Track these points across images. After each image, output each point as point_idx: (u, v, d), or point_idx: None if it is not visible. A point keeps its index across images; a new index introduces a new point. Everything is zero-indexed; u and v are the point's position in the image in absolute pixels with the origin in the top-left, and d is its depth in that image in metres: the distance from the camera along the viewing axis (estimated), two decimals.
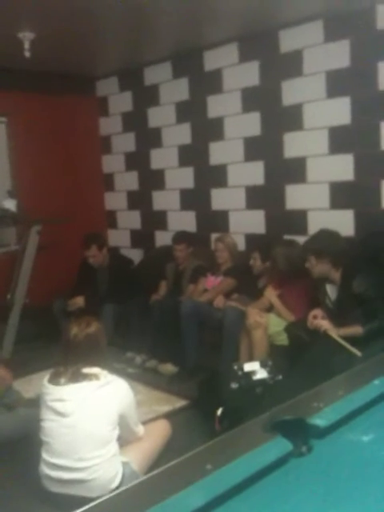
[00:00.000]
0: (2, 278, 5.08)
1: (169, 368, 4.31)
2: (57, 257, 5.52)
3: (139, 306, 4.77)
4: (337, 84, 4.27)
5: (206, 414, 3.21)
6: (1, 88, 5.25)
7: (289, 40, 4.50)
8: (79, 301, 4.79)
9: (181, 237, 4.98)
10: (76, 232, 5.18)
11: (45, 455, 2.42)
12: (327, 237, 3.53)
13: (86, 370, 2.42)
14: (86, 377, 2.40)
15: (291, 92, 4.54)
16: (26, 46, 4.32)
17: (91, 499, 1.03)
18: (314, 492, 1.15)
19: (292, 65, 4.49)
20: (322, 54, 4.32)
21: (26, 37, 4.29)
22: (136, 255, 5.87)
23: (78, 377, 2.40)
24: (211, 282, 4.69)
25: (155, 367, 4.40)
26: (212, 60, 5.08)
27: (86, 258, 5.00)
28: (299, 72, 4.46)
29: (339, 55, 4.21)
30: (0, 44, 4.50)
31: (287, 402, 1.48)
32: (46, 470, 2.42)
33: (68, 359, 2.45)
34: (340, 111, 4.24)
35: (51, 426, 2.40)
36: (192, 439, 2.93)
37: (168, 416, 3.29)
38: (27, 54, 4.34)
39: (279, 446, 1.25)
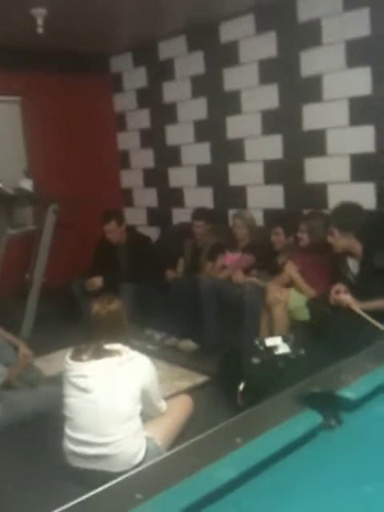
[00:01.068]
0: (21, 257, 5.10)
1: (189, 344, 4.31)
2: (73, 236, 5.52)
3: (158, 284, 4.76)
4: (357, 53, 4.14)
5: (227, 389, 3.21)
6: (15, 68, 5.23)
7: (307, 9, 4.37)
8: (97, 281, 4.77)
9: (200, 213, 4.94)
10: (92, 211, 5.16)
11: (68, 431, 2.44)
12: (350, 210, 3.47)
13: (108, 347, 2.42)
14: (108, 353, 2.40)
15: (310, 63, 4.42)
16: (39, 22, 4.26)
17: (114, 474, 1.02)
18: (345, 465, 1.14)
19: (310, 35, 4.36)
20: (341, 23, 4.19)
21: (39, 13, 4.23)
22: (153, 233, 5.85)
23: (100, 353, 2.40)
24: (230, 258, 4.65)
25: (175, 344, 4.41)
26: (228, 32, 4.96)
27: (103, 235, 4.98)
28: (318, 42, 4.34)
29: (359, 23, 4.07)
30: (13, 21, 4.43)
31: (315, 375, 1.46)
32: (69, 445, 2.43)
33: (90, 336, 2.45)
34: (360, 81, 4.13)
35: (74, 402, 2.41)
36: (214, 414, 2.93)
37: (189, 392, 3.28)
38: (40, 30, 4.28)
39: (309, 418, 1.24)
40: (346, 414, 1.29)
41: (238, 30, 4.87)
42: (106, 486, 1.02)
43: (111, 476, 1.05)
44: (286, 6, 4.46)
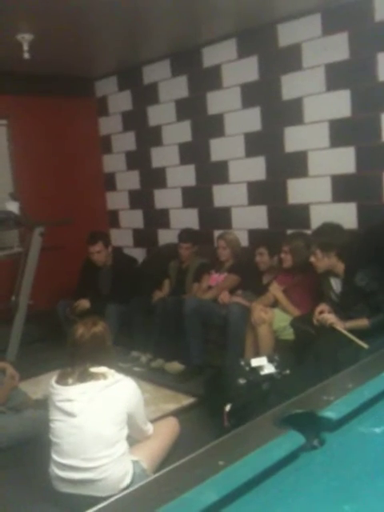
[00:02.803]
0: (6, 280, 5.08)
1: (175, 366, 4.29)
2: (59, 258, 5.51)
3: (143, 305, 4.76)
4: (336, 77, 4.24)
5: (213, 410, 3.20)
6: (1, 91, 5.26)
7: (287, 34, 4.48)
8: (85, 303, 4.75)
9: (187, 235, 4.96)
10: (78, 233, 5.16)
11: (54, 456, 2.42)
12: (332, 230, 3.52)
13: (94, 370, 2.41)
14: (94, 376, 2.39)
15: (291, 86, 4.52)
16: (25, 47, 4.31)
17: (102, 499, 1.02)
18: (327, 485, 1.14)
19: (291, 59, 4.47)
20: (320, 47, 4.30)
21: (25, 38, 4.28)
22: (139, 254, 5.86)
23: (85, 376, 2.40)
24: (215, 279, 4.67)
25: (161, 366, 4.39)
26: (211, 56, 5.06)
27: (89, 256, 4.96)
28: (298, 66, 4.44)
29: (338, 48, 4.18)
30: None
31: (297, 396, 1.47)
32: (55, 470, 2.42)
33: (75, 359, 2.45)
34: (340, 104, 4.22)
35: (60, 427, 2.40)
36: (200, 436, 2.92)
37: (176, 414, 3.28)
38: (26, 55, 4.33)
39: (291, 439, 1.25)
40: (328, 435, 1.29)
41: (220, 54, 4.97)
42: (92, 510, 1.02)
43: (98, 501, 1.05)
44: (267, 31, 4.57)
